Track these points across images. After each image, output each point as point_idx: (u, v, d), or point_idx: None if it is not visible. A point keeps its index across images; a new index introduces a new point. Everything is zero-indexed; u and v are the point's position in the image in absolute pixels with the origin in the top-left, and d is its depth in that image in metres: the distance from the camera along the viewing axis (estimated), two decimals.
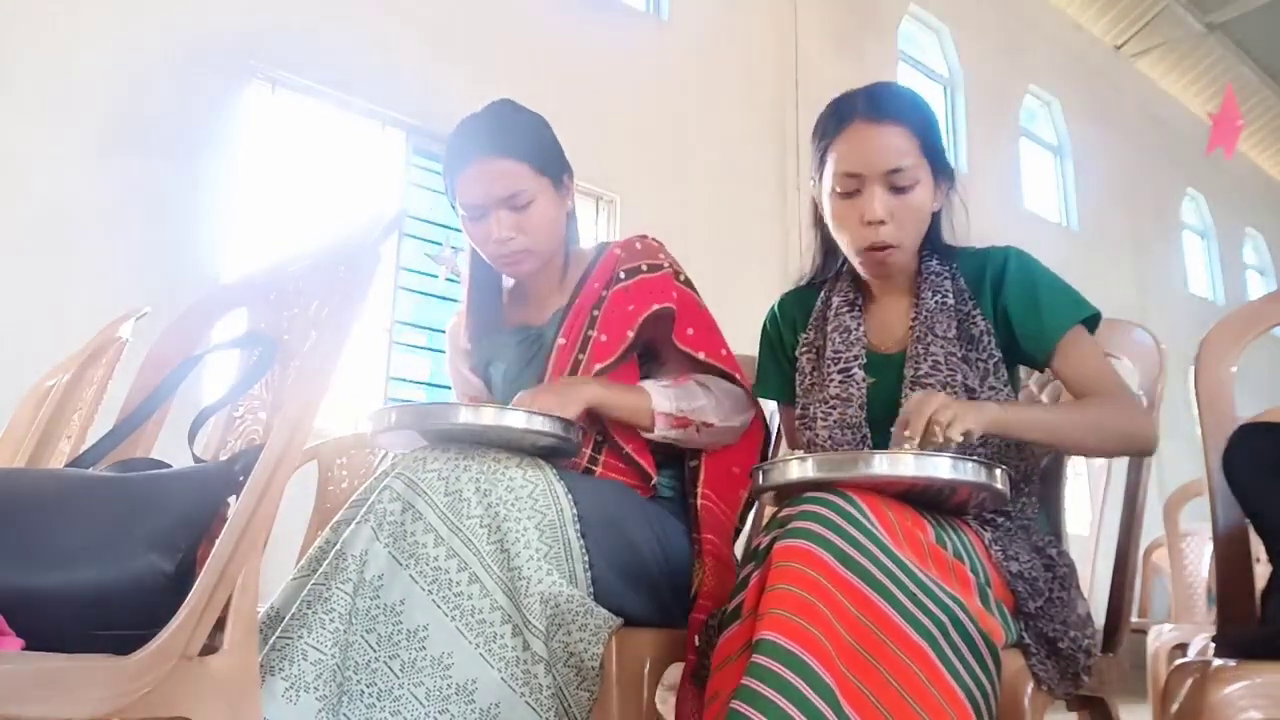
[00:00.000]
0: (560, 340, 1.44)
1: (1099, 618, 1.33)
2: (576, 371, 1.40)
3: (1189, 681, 0.85)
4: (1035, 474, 1.31)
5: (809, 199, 1.39)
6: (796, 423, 1.39)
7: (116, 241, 3.22)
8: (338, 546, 1.14)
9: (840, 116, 1.27)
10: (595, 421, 1.36)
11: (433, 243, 4.13)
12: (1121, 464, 1.43)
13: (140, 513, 0.87)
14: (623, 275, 1.45)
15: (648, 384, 1.39)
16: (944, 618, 0.98)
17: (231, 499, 0.91)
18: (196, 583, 0.82)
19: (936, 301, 1.28)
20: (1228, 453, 1.03)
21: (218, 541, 0.83)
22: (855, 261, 1.32)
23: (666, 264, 1.47)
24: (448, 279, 4.09)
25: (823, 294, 1.42)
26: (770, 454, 1.58)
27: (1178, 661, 0.99)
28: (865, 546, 0.97)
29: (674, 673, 1.26)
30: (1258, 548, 1.06)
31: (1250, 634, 0.99)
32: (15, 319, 2.93)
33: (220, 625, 0.85)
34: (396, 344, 4.02)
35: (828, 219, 1.32)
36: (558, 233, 1.46)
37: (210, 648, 0.85)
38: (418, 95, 4.05)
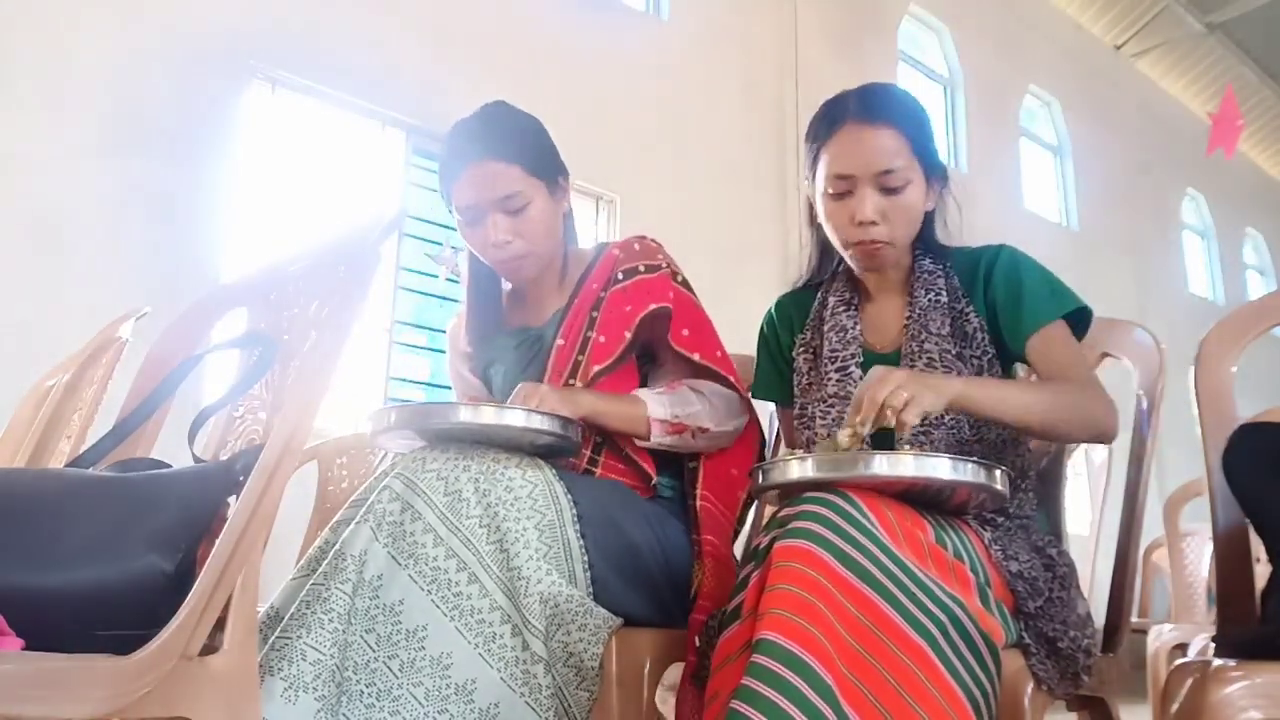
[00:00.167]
0: (559, 341, 1.44)
1: (1099, 618, 1.33)
2: (576, 372, 1.40)
3: (1189, 681, 0.85)
4: (1032, 470, 1.31)
5: (807, 199, 1.40)
6: (795, 423, 1.39)
7: (116, 241, 3.22)
8: (337, 546, 1.14)
9: (832, 118, 1.27)
10: (594, 427, 1.36)
11: (433, 243, 4.13)
12: (1121, 464, 1.43)
13: (140, 513, 0.87)
14: (620, 276, 1.45)
15: (641, 392, 1.39)
16: (944, 617, 0.98)
17: (231, 499, 0.91)
18: (196, 583, 0.82)
19: (930, 300, 1.29)
20: (1228, 453, 1.03)
21: (218, 541, 0.83)
22: (846, 254, 1.32)
23: (664, 264, 1.47)
24: (448, 279, 4.09)
25: (819, 295, 1.42)
26: (769, 455, 1.58)
27: (1178, 661, 0.99)
28: (865, 546, 0.97)
29: (674, 673, 1.26)
30: (1258, 548, 1.06)
31: (1250, 634, 0.99)
32: (15, 319, 2.93)
33: (220, 625, 0.85)
34: (396, 344, 4.02)
35: (821, 218, 1.32)
36: (555, 235, 1.45)
37: (210, 648, 0.85)
38: (418, 95, 4.05)
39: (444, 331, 1.68)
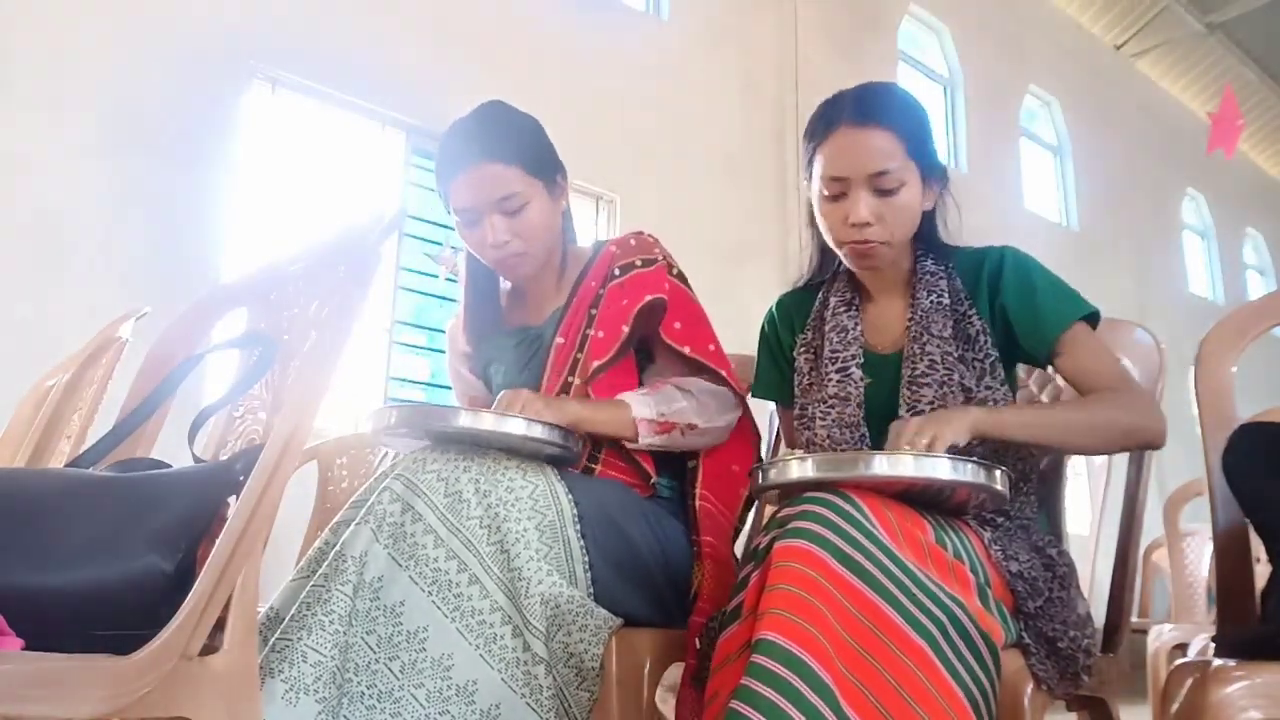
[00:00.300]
0: (559, 340, 1.43)
1: (1099, 618, 1.33)
2: (576, 370, 1.40)
3: (1189, 681, 0.85)
4: (1034, 472, 1.31)
5: (807, 199, 1.40)
6: (795, 423, 1.39)
7: (116, 241, 3.22)
8: (337, 548, 1.14)
9: (828, 119, 1.27)
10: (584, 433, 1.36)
11: (433, 243, 4.13)
12: (1121, 464, 1.43)
13: (140, 513, 0.87)
14: (617, 272, 1.44)
15: (625, 395, 1.38)
16: (943, 617, 0.98)
17: (231, 499, 0.91)
18: (196, 583, 0.82)
19: (932, 301, 1.28)
20: (1228, 453, 1.03)
21: (218, 541, 0.83)
22: (841, 254, 1.32)
23: (660, 258, 1.47)
24: (448, 279, 4.09)
25: (820, 295, 1.42)
26: (770, 454, 1.58)
27: (1178, 661, 0.99)
28: (865, 546, 0.97)
29: (674, 673, 1.26)
30: (1258, 548, 1.06)
31: (1250, 634, 0.99)
32: (15, 319, 2.93)
33: (220, 625, 0.85)
34: (396, 344, 4.02)
35: (816, 219, 1.32)
36: (553, 234, 1.45)
37: (210, 648, 0.85)
38: (418, 95, 4.05)
39: (444, 331, 1.68)
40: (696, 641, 1.22)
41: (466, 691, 1.10)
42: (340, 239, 1.10)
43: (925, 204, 1.29)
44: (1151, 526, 1.76)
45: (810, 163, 1.30)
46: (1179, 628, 3.41)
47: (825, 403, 1.31)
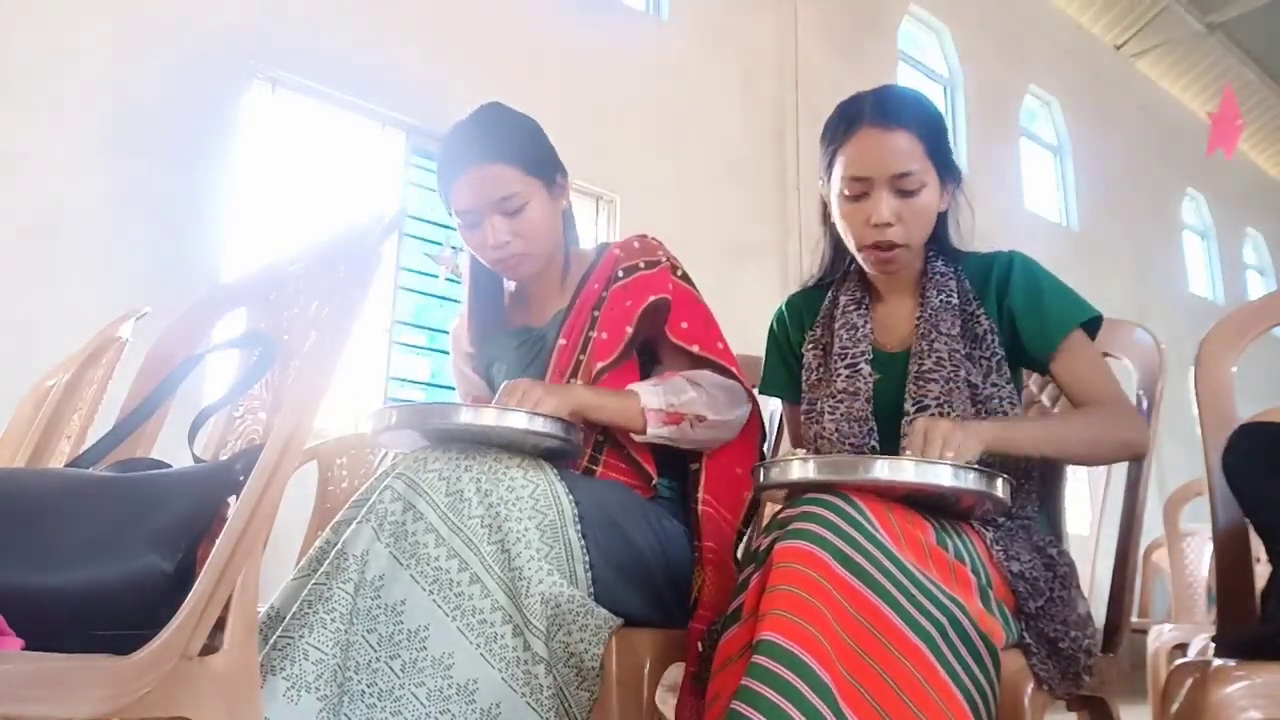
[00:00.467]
0: (561, 341, 1.44)
1: (1099, 618, 1.33)
2: (578, 372, 1.40)
3: (1189, 681, 0.85)
4: (1034, 471, 1.32)
5: (815, 198, 1.41)
6: (803, 417, 1.39)
7: (116, 241, 3.22)
8: (339, 546, 1.14)
9: (849, 121, 1.28)
10: (595, 424, 1.36)
11: (433, 243, 4.13)
12: (1121, 464, 1.43)
13: (140, 513, 0.87)
14: (621, 274, 1.44)
15: (634, 385, 1.37)
16: (943, 619, 0.98)
17: (231, 499, 0.91)
18: (196, 583, 0.82)
19: (941, 300, 1.30)
20: (1228, 453, 1.03)
21: (218, 541, 0.83)
22: (860, 257, 1.33)
23: (664, 259, 1.47)
24: (448, 279, 4.09)
25: (830, 293, 1.43)
26: (772, 451, 1.58)
27: (1178, 661, 0.99)
28: (865, 548, 0.97)
29: (674, 673, 1.26)
30: (1258, 548, 1.06)
31: (1250, 634, 0.99)
32: (15, 319, 2.93)
33: (220, 625, 0.85)
34: (396, 344, 4.02)
35: (835, 219, 1.33)
36: (554, 234, 1.45)
37: (210, 648, 0.85)
38: (418, 95, 4.05)
39: (444, 331, 1.69)
40: (698, 645, 1.22)
41: (467, 690, 1.10)
42: (340, 239, 1.10)
43: (941, 206, 1.31)
44: (1151, 526, 1.76)
45: (830, 164, 1.31)
46: (1179, 628, 3.41)
47: (834, 397, 1.32)
